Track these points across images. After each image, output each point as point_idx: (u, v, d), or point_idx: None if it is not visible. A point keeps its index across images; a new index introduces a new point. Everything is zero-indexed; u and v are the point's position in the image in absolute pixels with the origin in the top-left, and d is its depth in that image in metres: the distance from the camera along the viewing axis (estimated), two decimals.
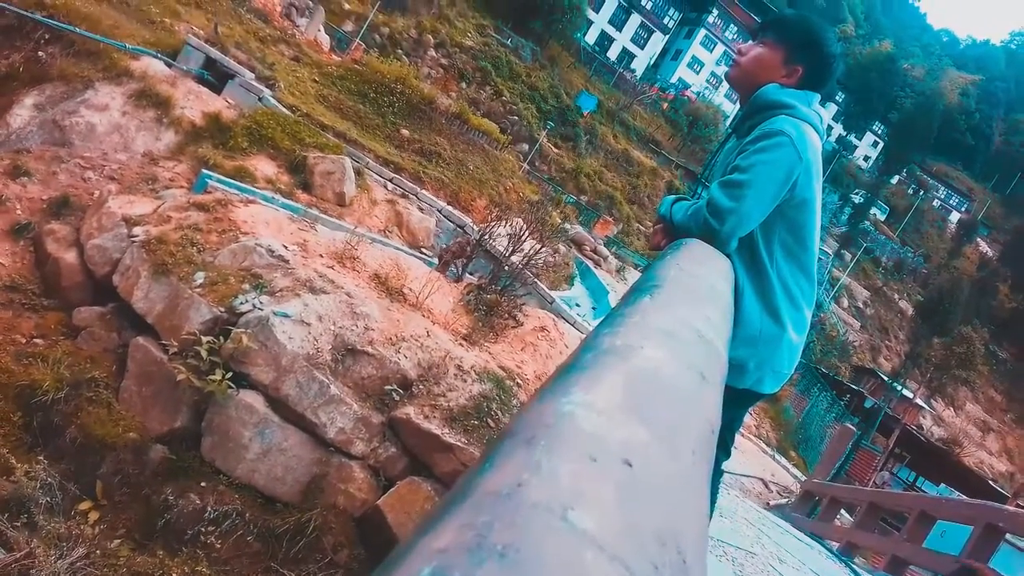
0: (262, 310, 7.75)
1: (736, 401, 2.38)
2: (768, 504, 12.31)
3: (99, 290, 8.72)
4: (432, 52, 36.48)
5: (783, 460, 18.44)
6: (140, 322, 8.09)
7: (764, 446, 18.39)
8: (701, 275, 1.25)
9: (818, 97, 2.40)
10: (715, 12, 72.47)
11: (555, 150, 38.26)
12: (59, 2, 11.34)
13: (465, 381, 8.18)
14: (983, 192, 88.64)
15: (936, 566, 7.02)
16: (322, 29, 23.47)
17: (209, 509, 7.10)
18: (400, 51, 33.40)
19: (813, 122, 2.28)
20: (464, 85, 35.96)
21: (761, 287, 2.32)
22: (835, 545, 8.76)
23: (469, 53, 38.17)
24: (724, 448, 2.54)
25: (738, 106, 2.57)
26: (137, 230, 8.78)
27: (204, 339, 7.38)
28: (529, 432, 0.47)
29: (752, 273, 2.32)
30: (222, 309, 7.81)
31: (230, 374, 7.28)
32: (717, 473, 2.60)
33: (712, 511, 2.71)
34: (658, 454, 0.52)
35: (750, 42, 2.52)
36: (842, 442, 13.70)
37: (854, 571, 5.94)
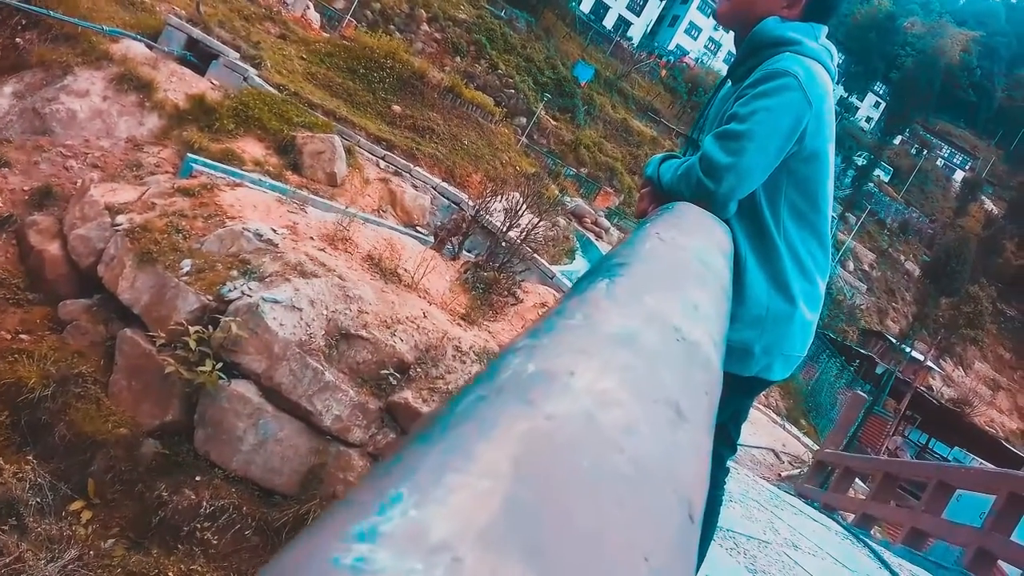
0: (251, 297, 7.53)
1: (741, 390, 2.05)
2: (780, 476, 12.12)
3: (85, 282, 8.50)
4: (425, 27, 35.90)
5: (793, 429, 18.28)
6: (127, 313, 7.89)
7: (774, 416, 18.22)
8: (688, 247, 0.92)
9: (826, 29, 2.03)
10: None
11: (553, 122, 37.72)
12: None
13: (464, 362, 7.97)
14: (987, 149, 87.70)
15: (958, 539, 6.80)
16: (311, 6, 23.01)
17: (205, 504, 6.94)
18: (392, 27, 32.84)
19: (822, 59, 1.93)
20: (459, 59, 35.40)
21: (767, 257, 1.96)
22: (850, 517, 8.54)
23: (463, 26, 37.56)
24: (729, 443, 2.23)
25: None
26: (121, 219, 8.53)
27: (192, 329, 7.17)
28: None
29: (756, 241, 1.96)
30: (210, 297, 7.60)
31: (221, 364, 7.08)
32: (722, 471, 2.27)
33: (715, 522, 2.43)
34: None
35: None
36: (854, 410, 13.44)
37: (873, 550, 5.71)
